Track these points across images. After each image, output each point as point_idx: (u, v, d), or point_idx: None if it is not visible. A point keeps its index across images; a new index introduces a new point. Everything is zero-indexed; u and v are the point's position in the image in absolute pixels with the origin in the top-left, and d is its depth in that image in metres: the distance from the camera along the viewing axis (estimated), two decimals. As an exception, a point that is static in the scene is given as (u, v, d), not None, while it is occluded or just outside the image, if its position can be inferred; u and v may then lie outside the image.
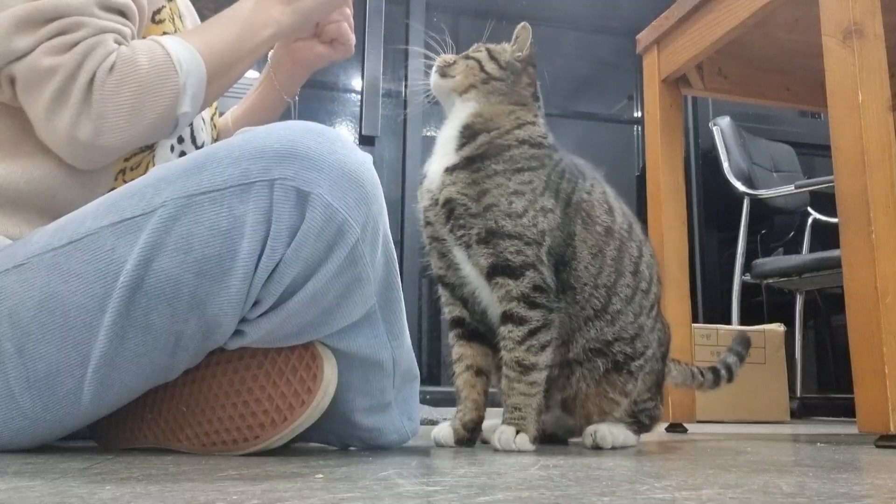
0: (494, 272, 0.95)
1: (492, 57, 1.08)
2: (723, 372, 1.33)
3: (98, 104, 0.80)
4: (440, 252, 1.02)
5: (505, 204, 0.95)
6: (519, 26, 1.11)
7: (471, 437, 0.99)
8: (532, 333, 0.93)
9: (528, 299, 0.93)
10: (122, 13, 0.86)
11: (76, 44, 0.80)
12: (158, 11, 0.93)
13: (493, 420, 1.04)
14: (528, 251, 0.94)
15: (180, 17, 1.02)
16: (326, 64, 1.13)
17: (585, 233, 1.00)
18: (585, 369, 1.00)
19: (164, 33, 0.93)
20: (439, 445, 0.98)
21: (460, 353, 1.02)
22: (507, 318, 0.94)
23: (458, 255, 0.99)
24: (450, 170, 0.99)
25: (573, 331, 0.99)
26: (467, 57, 1.09)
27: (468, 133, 1.02)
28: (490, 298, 0.97)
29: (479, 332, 1.03)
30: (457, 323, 1.03)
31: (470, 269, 0.98)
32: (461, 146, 1.01)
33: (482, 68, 1.06)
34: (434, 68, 1.09)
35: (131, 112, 0.81)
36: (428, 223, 1.02)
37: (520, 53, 1.09)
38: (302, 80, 1.15)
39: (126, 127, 0.81)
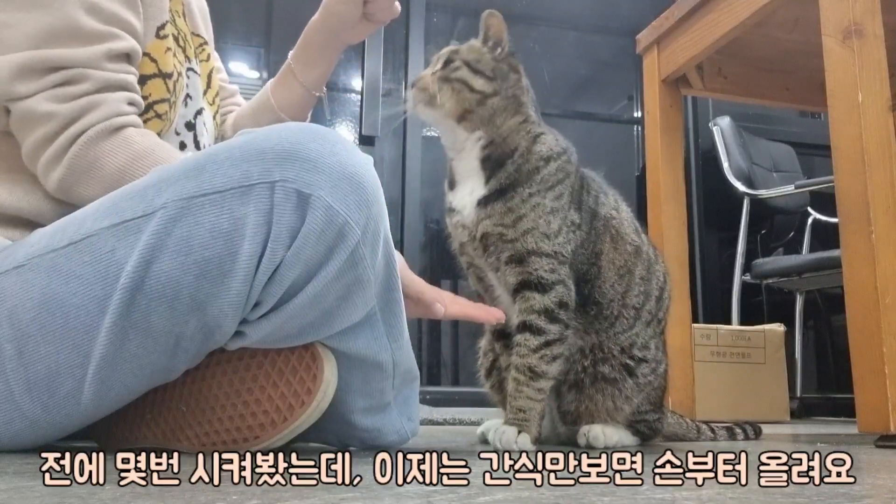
0: (523, 287, 0.95)
1: (475, 70, 0.97)
2: (738, 430, 1.26)
3: (78, 157, 0.81)
4: (477, 276, 1.03)
5: (543, 225, 0.95)
6: (485, 14, 1.00)
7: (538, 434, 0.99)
8: (547, 344, 0.94)
9: (550, 314, 0.94)
10: (127, 57, 0.86)
11: (79, 96, 0.81)
12: (163, 27, 0.93)
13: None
14: (562, 270, 0.95)
15: (184, 16, 1.02)
16: None
17: (615, 252, 1.01)
18: (614, 386, 1.00)
19: (168, 49, 0.93)
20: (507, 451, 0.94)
21: (510, 361, 1.00)
22: (526, 327, 0.95)
23: (492, 277, 1.00)
24: (482, 202, 0.96)
25: (601, 343, 1.00)
26: (447, 79, 0.97)
27: (490, 164, 0.97)
28: (513, 310, 0.98)
29: None
30: (501, 335, 1.04)
31: (501, 291, 0.99)
32: (489, 178, 0.97)
33: (471, 89, 0.96)
34: (413, 97, 0.99)
35: (113, 179, 0.81)
36: (464, 254, 1.02)
37: (499, 50, 0.99)
38: (330, 71, 1.14)
39: (100, 189, 0.81)
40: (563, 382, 1.01)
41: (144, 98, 0.91)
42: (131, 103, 0.85)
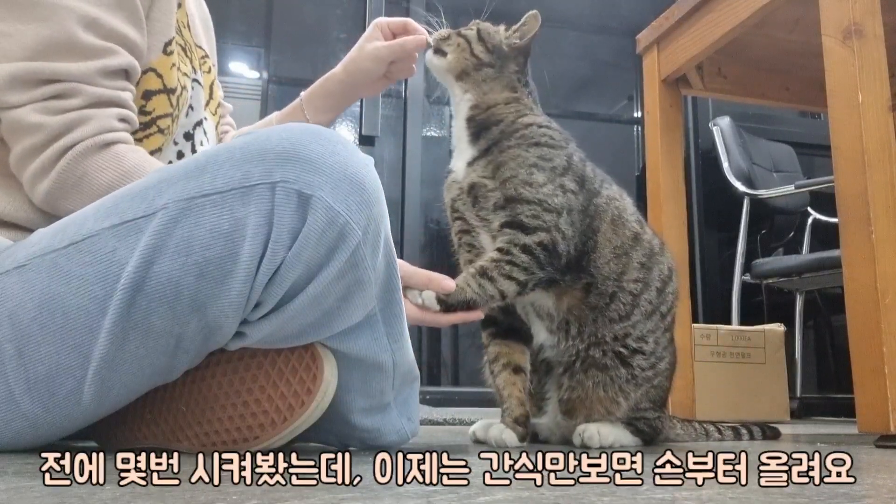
0: (505, 227, 0.97)
1: (480, 38, 1.09)
2: (743, 430, 1.26)
3: (66, 171, 0.80)
4: (469, 245, 1.04)
5: (524, 174, 0.98)
6: (529, 14, 1.10)
7: (526, 431, 1.01)
8: (510, 262, 0.95)
9: (527, 249, 0.95)
10: (125, 74, 0.86)
11: (69, 110, 0.80)
12: (170, 42, 0.93)
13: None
14: (547, 217, 0.96)
15: (188, 26, 1.01)
16: None
17: (612, 233, 1.02)
18: (605, 373, 1.00)
19: (173, 65, 0.93)
20: (501, 447, 0.96)
21: (497, 351, 1.03)
22: (497, 250, 0.96)
23: (484, 240, 1.01)
24: (471, 162, 1.04)
25: (596, 328, 1.00)
26: (459, 34, 1.10)
27: (475, 126, 1.05)
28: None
29: (513, 328, 1.04)
30: (490, 322, 1.04)
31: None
32: (475, 140, 1.04)
33: (471, 50, 1.08)
34: (432, 40, 1.12)
35: (102, 195, 0.80)
36: (457, 217, 1.04)
37: (516, 41, 1.08)
38: (338, 116, 1.20)
39: (86, 202, 0.80)
40: (559, 364, 1.02)
41: (149, 113, 0.90)
42: (123, 119, 0.85)
